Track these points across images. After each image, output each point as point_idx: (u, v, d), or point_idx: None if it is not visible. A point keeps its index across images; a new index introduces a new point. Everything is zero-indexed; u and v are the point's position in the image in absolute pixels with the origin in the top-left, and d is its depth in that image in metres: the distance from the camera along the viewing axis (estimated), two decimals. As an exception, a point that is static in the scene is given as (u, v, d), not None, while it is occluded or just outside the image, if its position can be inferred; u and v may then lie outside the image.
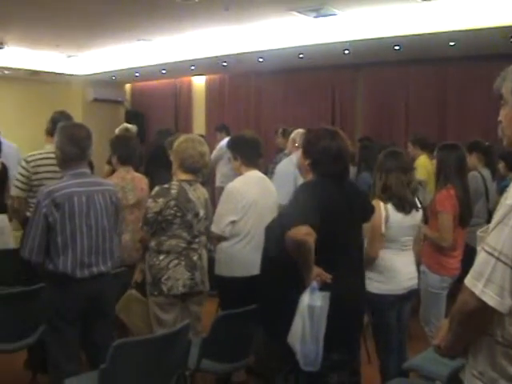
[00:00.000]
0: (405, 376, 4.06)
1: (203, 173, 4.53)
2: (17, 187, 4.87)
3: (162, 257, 4.25)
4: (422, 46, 8.91)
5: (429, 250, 4.76)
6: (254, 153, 4.66)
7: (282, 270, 3.25)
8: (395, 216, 4.17)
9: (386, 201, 4.16)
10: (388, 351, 4.34)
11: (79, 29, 9.78)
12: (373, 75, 11.10)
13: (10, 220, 6.16)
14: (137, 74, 13.16)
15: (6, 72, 12.81)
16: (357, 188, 3.68)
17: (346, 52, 9.63)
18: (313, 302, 2.99)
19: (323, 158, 3.29)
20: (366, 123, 11.23)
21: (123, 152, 5.24)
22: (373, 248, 4.12)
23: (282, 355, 3.23)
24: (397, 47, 9.05)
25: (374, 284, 4.24)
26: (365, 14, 8.27)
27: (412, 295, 4.46)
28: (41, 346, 4.09)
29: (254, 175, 4.64)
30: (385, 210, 4.13)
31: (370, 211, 3.69)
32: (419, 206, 4.38)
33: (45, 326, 3.88)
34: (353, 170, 7.56)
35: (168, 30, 9.68)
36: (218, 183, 10.19)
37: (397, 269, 4.25)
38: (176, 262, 4.24)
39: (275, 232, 3.36)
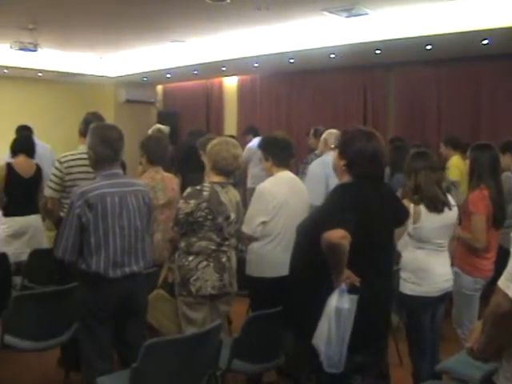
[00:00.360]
0: (437, 379, 4.03)
1: (235, 175, 4.54)
2: (50, 188, 4.91)
3: (191, 258, 4.27)
4: (453, 45, 8.83)
5: (462, 251, 4.71)
6: (285, 153, 4.65)
7: (310, 270, 3.24)
8: (427, 217, 4.13)
9: (417, 202, 4.13)
10: (421, 353, 4.30)
11: (112, 30, 9.87)
12: (404, 75, 11.02)
13: (43, 220, 6.25)
14: (168, 75, 13.24)
15: (40, 74, 12.97)
16: (392, 191, 3.64)
17: (378, 52, 9.60)
18: (341, 304, 2.97)
19: (359, 159, 3.26)
20: (397, 123, 11.16)
21: (153, 152, 5.26)
22: None
23: (306, 355, 3.22)
24: (428, 46, 8.99)
25: (408, 285, 4.22)
26: (396, 14, 8.23)
27: (446, 297, 4.42)
28: (74, 344, 4.12)
29: (285, 176, 4.63)
30: (415, 212, 4.10)
31: (404, 215, 3.65)
32: (453, 204, 4.33)
33: (78, 325, 3.91)
34: (386, 171, 7.52)
35: (200, 30, 9.72)
36: (249, 184, 10.22)
37: (432, 270, 4.21)
38: (205, 263, 4.25)
39: (306, 232, 3.35)
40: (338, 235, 2.93)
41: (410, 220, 4.06)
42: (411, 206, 4.08)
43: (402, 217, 3.60)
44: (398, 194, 4.26)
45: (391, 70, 11.17)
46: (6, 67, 12.15)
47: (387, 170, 7.38)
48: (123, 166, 4.15)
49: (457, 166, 7.53)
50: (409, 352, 4.44)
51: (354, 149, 3.28)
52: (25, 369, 5.07)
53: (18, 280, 5.59)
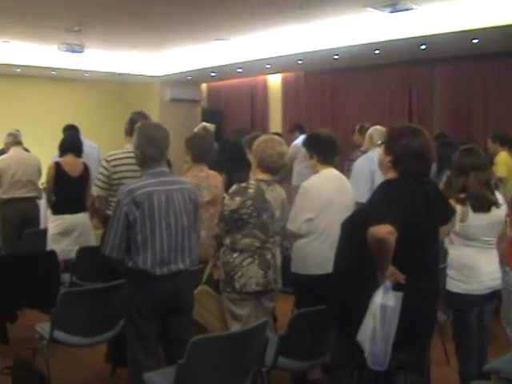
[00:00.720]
0: (485, 379, 3.95)
1: (280, 172, 4.54)
2: (97, 186, 4.97)
3: (235, 254, 4.29)
4: (501, 39, 8.65)
5: (511, 250, 4.64)
6: (329, 151, 4.63)
7: (355, 267, 3.22)
8: (474, 216, 4.08)
9: (462, 201, 4.07)
10: (468, 353, 4.24)
11: (156, 30, 9.97)
12: (450, 70, 10.87)
13: (91, 219, 6.33)
14: (213, 74, 13.30)
15: (86, 75, 13.16)
16: (437, 188, 3.60)
17: (423, 47, 9.48)
18: (385, 301, 2.95)
19: (404, 156, 3.23)
20: (443, 119, 11.02)
21: (197, 150, 5.29)
22: None
23: (349, 351, 3.21)
24: (475, 40, 8.86)
25: (454, 283, 4.17)
26: (442, 8, 8.12)
27: (495, 296, 4.35)
28: (121, 340, 4.18)
29: (330, 173, 4.61)
30: (462, 211, 4.04)
31: (449, 213, 3.61)
32: (501, 202, 4.27)
33: (125, 321, 3.96)
34: (433, 168, 7.44)
35: (244, 28, 9.75)
36: (294, 182, 10.20)
37: (479, 268, 4.16)
38: (250, 260, 4.26)
39: (350, 229, 3.33)
40: (384, 230, 2.91)
41: (457, 218, 4.01)
42: (457, 206, 4.02)
43: (447, 214, 3.56)
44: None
45: (436, 65, 11.03)
46: (54, 69, 12.37)
47: (434, 167, 7.31)
48: (168, 165, 4.18)
49: (504, 162, 7.41)
50: (455, 351, 4.39)
51: (400, 145, 3.25)
52: (73, 364, 5.15)
53: (66, 277, 5.69)
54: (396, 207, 3.04)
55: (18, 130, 7.92)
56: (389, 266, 3.02)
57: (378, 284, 3.01)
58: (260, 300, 4.39)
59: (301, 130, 10.94)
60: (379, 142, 5.57)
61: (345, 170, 7.59)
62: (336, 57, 10.65)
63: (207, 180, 5.22)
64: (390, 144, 3.33)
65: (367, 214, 3.12)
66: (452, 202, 3.94)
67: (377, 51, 9.99)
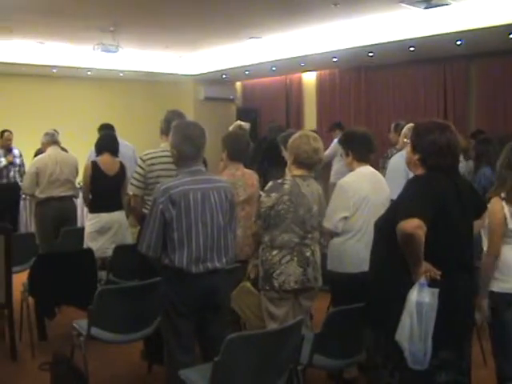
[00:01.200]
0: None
1: (316, 168, 4.53)
2: (133, 185, 5.00)
3: (274, 252, 4.29)
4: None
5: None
6: (365, 148, 4.61)
7: (390, 265, 3.21)
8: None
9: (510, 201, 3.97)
10: (505, 353, 4.16)
11: (190, 29, 10.01)
12: (486, 65, 10.74)
13: (127, 217, 6.38)
14: (247, 72, 13.30)
15: (121, 74, 13.27)
16: (469, 183, 3.56)
17: (459, 43, 9.37)
18: (421, 298, 2.92)
19: (432, 152, 3.21)
20: (479, 116, 10.89)
21: (233, 148, 5.29)
22: (492, 248, 3.93)
23: (387, 351, 3.19)
24: (512, 35, 8.74)
25: (492, 281, 4.10)
26: (477, 2, 8.03)
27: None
28: (157, 337, 4.21)
29: (366, 171, 4.59)
30: (508, 210, 3.94)
31: (482, 208, 3.56)
32: None
33: (161, 319, 3.98)
34: (467, 164, 7.35)
35: (278, 26, 9.75)
36: (331, 179, 10.22)
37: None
38: (288, 257, 4.26)
39: (383, 227, 3.31)
40: (412, 225, 2.90)
41: (507, 221, 3.89)
42: (504, 205, 3.89)
43: (479, 209, 3.51)
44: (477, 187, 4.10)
45: (472, 61, 10.91)
46: (90, 69, 12.49)
47: (471, 164, 7.23)
48: (204, 163, 4.19)
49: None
50: (492, 352, 4.32)
51: (428, 141, 3.23)
52: (110, 361, 5.22)
53: (103, 275, 5.74)
54: (424, 202, 3.02)
55: (55, 130, 8.02)
56: (422, 262, 3.00)
57: (413, 281, 2.99)
58: (298, 299, 4.38)
59: (341, 127, 10.97)
60: (405, 140, 5.51)
61: (380, 167, 7.57)
62: (371, 54, 10.59)
63: (243, 178, 5.22)
64: (417, 141, 3.30)
65: (396, 211, 3.11)
66: (495, 199, 3.83)
67: (412, 48, 9.91)
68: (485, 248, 4.15)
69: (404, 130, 6.43)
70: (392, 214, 3.20)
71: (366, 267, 3.50)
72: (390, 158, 7.36)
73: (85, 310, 4.42)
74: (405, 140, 5.90)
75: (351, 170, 4.61)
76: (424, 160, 3.23)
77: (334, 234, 4.47)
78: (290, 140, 4.49)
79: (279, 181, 4.33)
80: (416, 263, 3.00)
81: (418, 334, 2.92)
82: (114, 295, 4.40)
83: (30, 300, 5.43)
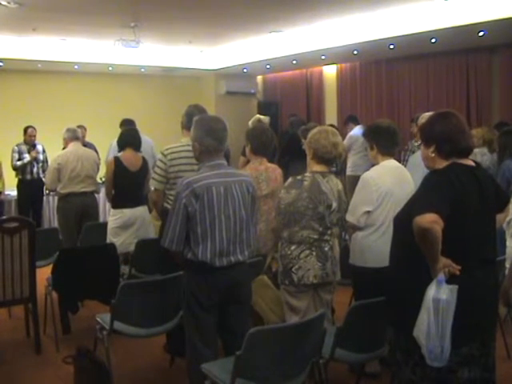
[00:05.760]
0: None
1: (337, 163, 4.52)
2: (155, 180, 5.03)
3: (293, 247, 4.29)
4: None
5: None
6: (390, 142, 4.57)
7: (409, 261, 3.18)
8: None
9: None
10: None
11: (211, 24, 10.01)
12: (509, 57, 10.59)
13: (150, 211, 6.41)
14: (268, 66, 13.28)
15: (142, 70, 13.32)
16: (490, 176, 3.51)
17: (481, 34, 9.27)
18: (438, 294, 2.88)
19: (444, 139, 3.18)
20: (503, 107, 10.74)
21: (257, 143, 5.29)
22: None
23: (408, 347, 3.17)
24: (537, 25, 8.62)
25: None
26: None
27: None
28: (179, 331, 4.22)
29: (391, 164, 4.56)
30: None
31: (504, 201, 3.52)
32: None
33: (183, 312, 4.00)
34: (492, 157, 7.28)
35: (298, 20, 9.71)
36: (348, 172, 10.22)
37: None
38: (307, 252, 4.26)
39: (402, 222, 3.29)
40: (428, 219, 2.86)
41: None
42: None
43: (501, 202, 3.47)
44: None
45: (495, 52, 10.78)
46: (111, 65, 12.54)
47: (494, 156, 7.16)
48: (227, 155, 4.17)
49: None
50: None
51: (437, 130, 3.21)
52: (132, 354, 5.26)
53: (125, 269, 5.78)
54: (440, 196, 2.99)
55: (83, 126, 8.03)
56: (439, 257, 2.95)
57: (432, 277, 2.96)
58: (317, 292, 4.38)
59: (355, 120, 10.97)
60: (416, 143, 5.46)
61: (402, 160, 7.54)
62: (392, 46, 10.51)
63: (266, 173, 5.22)
64: (428, 134, 3.27)
65: (413, 206, 3.08)
66: None
67: (433, 39, 9.82)
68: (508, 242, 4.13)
69: (419, 120, 6.39)
70: (410, 209, 3.18)
71: (387, 262, 3.48)
72: (411, 150, 7.33)
73: (107, 305, 4.46)
74: (417, 144, 5.85)
75: (376, 163, 4.59)
76: (439, 150, 3.20)
77: (356, 228, 4.46)
78: (309, 135, 4.48)
79: (299, 177, 4.32)
80: (433, 259, 2.96)
81: (434, 331, 2.88)
82: (136, 290, 4.42)
83: (54, 294, 5.48)
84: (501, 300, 3.52)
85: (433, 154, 3.21)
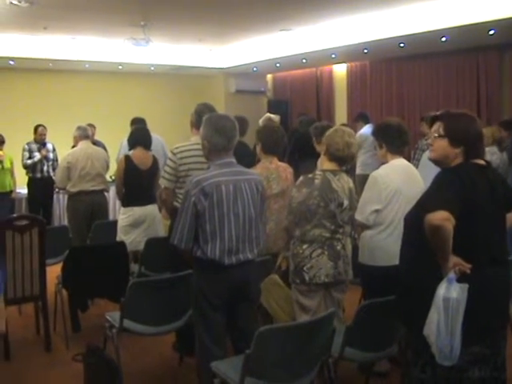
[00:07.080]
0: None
1: (349, 163, 4.51)
2: (164, 178, 5.03)
3: (305, 246, 4.28)
4: None
5: None
6: (399, 140, 4.55)
7: (419, 259, 3.17)
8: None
9: None
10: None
11: (221, 23, 10.02)
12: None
13: (160, 210, 6.42)
14: (278, 65, 13.28)
15: (152, 68, 13.34)
16: (500, 176, 3.50)
17: (491, 32, 9.23)
18: (448, 293, 2.87)
19: (476, 141, 3.18)
20: (513, 107, 10.73)
21: (267, 141, 5.27)
22: None
23: (418, 346, 3.16)
24: (547, 24, 8.57)
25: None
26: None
27: None
28: (188, 329, 4.23)
29: (400, 163, 4.55)
30: None
31: None
32: None
33: (192, 311, 4.00)
34: (502, 156, 7.25)
35: (308, 18, 9.70)
36: (358, 171, 10.20)
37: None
38: (319, 251, 4.25)
39: (412, 220, 3.28)
40: (439, 217, 2.85)
41: None
42: None
43: (511, 202, 3.45)
44: None
45: (506, 50, 10.74)
46: (121, 63, 12.57)
47: (504, 156, 7.13)
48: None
49: None
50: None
51: (471, 134, 3.19)
52: (141, 352, 5.26)
53: (135, 268, 5.79)
54: (452, 194, 2.97)
55: (93, 124, 8.02)
56: (450, 255, 2.95)
57: (442, 275, 2.95)
58: (329, 291, 4.38)
59: (365, 119, 10.93)
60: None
61: (412, 158, 7.52)
62: (402, 45, 10.48)
63: (277, 172, 5.21)
64: (459, 136, 3.22)
65: (423, 203, 3.07)
66: None
67: (443, 38, 9.78)
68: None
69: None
70: (421, 207, 3.17)
71: (397, 261, 3.47)
72: (421, 149, 7.31)
73: (117, 303, 4.47)
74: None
75: (385, 162, 4.58)
76: (467, 152, 3.18)
77: (365, 227, 4.46)
78: (326, 133, 4.48)
79: (310, 175, 4.32)
80: (444, 257, 2.95)
81: (444, 330, 2.87)
82: (145, 288, 4.43)
83: (64, 292, 5.50)
84: (511, 299, 3.50)
85: (458, 154, 3.18)
